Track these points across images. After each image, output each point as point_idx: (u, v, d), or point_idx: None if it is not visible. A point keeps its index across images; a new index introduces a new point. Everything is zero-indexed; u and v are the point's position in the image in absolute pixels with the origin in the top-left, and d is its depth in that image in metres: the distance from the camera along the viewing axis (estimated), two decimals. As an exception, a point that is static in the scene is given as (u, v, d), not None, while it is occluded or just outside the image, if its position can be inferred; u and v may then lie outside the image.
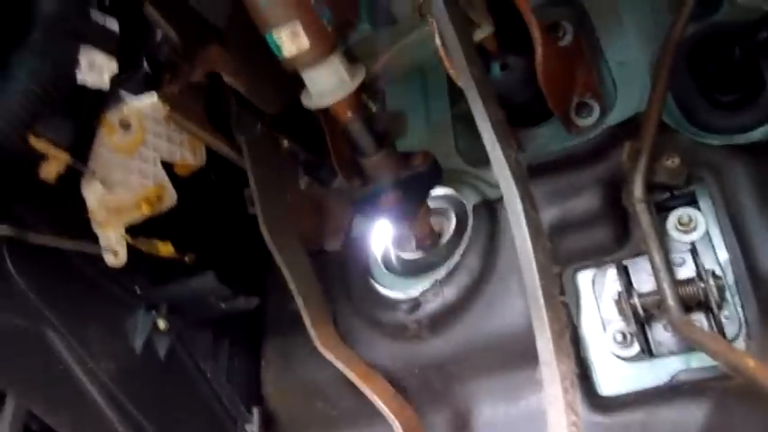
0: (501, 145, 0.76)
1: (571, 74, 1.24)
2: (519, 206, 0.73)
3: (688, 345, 1.00)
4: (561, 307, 0.71)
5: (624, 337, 1.05)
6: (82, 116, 1.07)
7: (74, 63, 0.86)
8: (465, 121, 1.35)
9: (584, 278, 1.10)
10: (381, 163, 1.14)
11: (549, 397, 0.62)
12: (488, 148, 0.78)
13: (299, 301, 1.19)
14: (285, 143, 1.32)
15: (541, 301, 0.68)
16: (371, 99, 1.40)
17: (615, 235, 1.08)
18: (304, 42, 0.94)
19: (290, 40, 0.95)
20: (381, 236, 1.33)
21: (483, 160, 1.27)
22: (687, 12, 1.02)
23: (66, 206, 1.08)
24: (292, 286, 1.19)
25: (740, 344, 0.98)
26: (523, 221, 0.72)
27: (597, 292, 1.09)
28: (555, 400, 0.61)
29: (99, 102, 1.13)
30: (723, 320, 0.99)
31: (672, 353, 1.03)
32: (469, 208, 1.23)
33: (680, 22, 1.01)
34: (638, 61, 1.16)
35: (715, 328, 1.00)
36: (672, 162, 0.98)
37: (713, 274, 0.98)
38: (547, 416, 0.61)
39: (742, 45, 1.02)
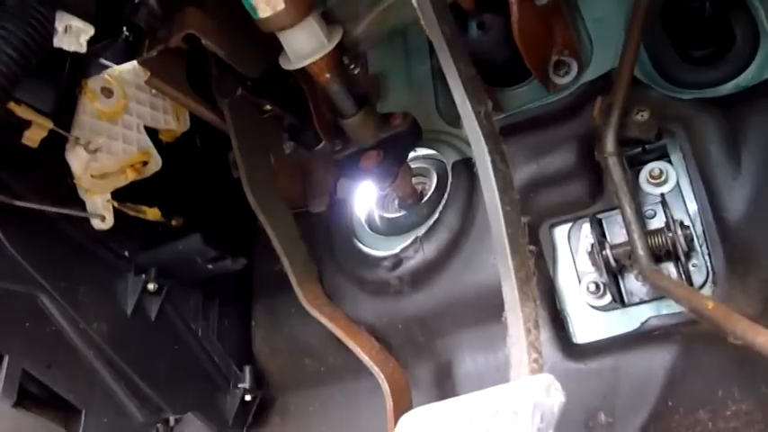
0: (471, 101, 0.78)
1: (549, 32, 1.25)
2: (488, 159, 0.76)
3: (658, 293, 1.04)
4: (528, 255, 0.74)
5: (597, 287, 1.09)
6: (63, 83, 1.08)
7: (50, 28, 0.87)
8: (446, 82, 1.37)
9: (561, 232, 1.14)
10: (361, 124, 1.16)
11: (512, 338, 0.66)
12: (458, 103, 0.80)
13: (285, 262, 1.22)
14: (267, 107, 1.34)
15: (507, 249, 0.71)
16: (353, 62, 1.41)
17: (590, 189, 1.11)
18: (279, 4, 0.95)
19: (266, 2, 0.95)
20: (365, 196, 1.36)
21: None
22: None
23: (51, 172, 1.11)
24: (278, 247, 1.22)
25: (707, 291, 1.02)
26: (491, 174, 0.74)
27: (573, 245, 1.13)
28: (518, 340, 0.64)
29: (80, 68, 1.14)
30: (691, 269, 1.03)
31: (643, 301, 1.08)
32: (449, 166, 1.25)
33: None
34: (613, 17, 1.17)
35: (683, 277, 1.03)
36: (642, 116, 1.01)
37: (681, 224, 1.01)
38: (509, 356, 0.65)
39: (712, 0, 1.03)
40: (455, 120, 1.30)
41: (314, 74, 1.09)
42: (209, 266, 1.25)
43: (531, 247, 0.76)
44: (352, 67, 1.40)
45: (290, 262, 1.22)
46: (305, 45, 1.04)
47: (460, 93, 0.80)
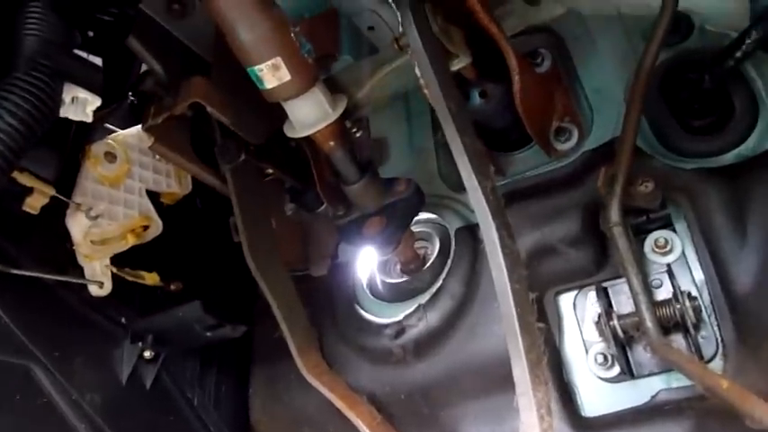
0: (477, 176, 0.78)
1: (549, 100, 1.27)
2: (495, 236, 0.75)
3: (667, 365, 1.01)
4: (538, 335, 0.72)
5: (605, 358, 1.07)
6: (66, 149, 1.08)
7: (57, 99, 0.87)
8: (448, 147, 1.38)
9: (566, 301, 1.12)
10: (364, 190, 1.15)
11: (525, 425, 0.63)
12: (465, 178, 0.80)
13: (285, 329, 1.20)
14: (270, 171, 1.34)
15: (518, 330, 0.70)
16: (355, 126, 1.43)
17: (595, 258, 1.10)
18: (285, 75, 0.96)
19: (272, 74, 0.96)
20: (367, 261, 1.34)
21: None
22: (658, 39, 1.04)
23: (49, 238, 1.09)
24: (278, 314, 1.20)
25: (717, 363, 1.00)
26: (500, 252, 0.73)
27: (579, 314, 1.11)
28: (530, 428, 0.62)
29: (84, 134, 1.14)
30: (700, 341, 1.01)
31: (652, 373, 1.05)
32: (452, 232, 1.25)
33: (651, 50, 1.04)
34: (613, 87, 1.20)
35: (693, 349, 1.01)
36: (646, 187, 1.01)
37: (689, 295, 1.00)
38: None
39: (711, 72, 1.05)
40: (457, 185, 1.31)
41: (318, 141, 1.10)
42: (208, 334, 1.22)
43: (541, 325, 0.75)
44: (355, 130, 1.41)
45: (290, 329, 1.19)
46: (310, 114, 1.05)
47: (466, 167, 0.80)
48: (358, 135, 1.41)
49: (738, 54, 1.00)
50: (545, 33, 1.31)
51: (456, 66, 1.07)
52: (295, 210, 1.43)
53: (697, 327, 1.01)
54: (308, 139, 1.11)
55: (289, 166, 1.35)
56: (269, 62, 0.95)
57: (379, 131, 1.45)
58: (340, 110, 1.06)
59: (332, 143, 1.09)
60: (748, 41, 0.99)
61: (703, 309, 1.02)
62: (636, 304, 1.00)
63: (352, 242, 1.22)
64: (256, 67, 0.95)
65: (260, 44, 0.93)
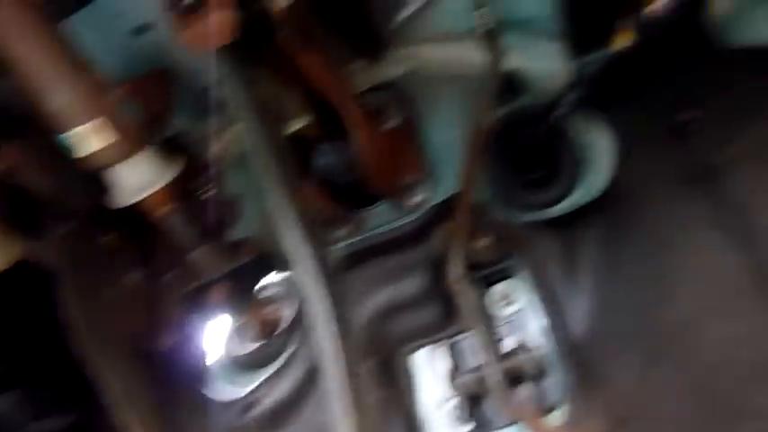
0: (304, 245, 0.75)
1: (398, 154, 1.28)
2: (320, 310, 0.72)
3: (517, 417, 1.03)
4: (370, 410, 0.69)
5: (459, 414, 1.06)
6: None
7: None
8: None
9: (418, 358, 1.11)
10: (207, 256, 1.09)
11: None
12: (288, 248, 0.76)
13: (124, 414, 1.08)
14: (107, 236, 1.23)
15: (348, 407, 0.66)
16: (202, 185, 1.36)
17: (444, 313, 1.11)
18: (103, 140, 0.89)
19: (88, 139, 0.89)
20: (215, 331, 1.26)
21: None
22: (491, 97, 1.09)
23: None
24: (115, 398, 1.08)
25: (563, 410, 1.02)
26: (324, 326, 0.70)
27: (431, 371, 1.10)
28: None
29: None
30: (546, 390, 1.04)
31: (506, 425, 1.06)
32: (305, 294, 1.20)
33: (483, 107, 1.08)
34: (456, 142, 1.23)
35: (540, 399, 1.03)
36: (485, 241, 1.03)
37: (531, 345, 1.03)
38: None
39: (538, 128, 1.11)
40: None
41: (149, 208, 1.02)
42: (32, 426, 1.08)
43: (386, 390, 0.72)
44: (202, 191, 1.35)
45: (129, 413, 1.08)
46: (138, 179, 0.98)
47: (292, 237, 0.76)
48: (206, 195, 1.36)
49: (560, 112, 1.07)
50: (392, 90, 1.34)
51: (294, 127, 1.05)
52: (138, 277, 1.32)
53: (541, 376, 1.03)
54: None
55: (128, 229, 1.25)
56: (83, 127, 0.88)
57: (230, 190, 1.39)
58: (173, 173, 1.00)
59: (165, 209, 1.02)
60: (567, 100, 1.06)
61: (547, 358, 1.05)
62: (482, 358, 1.00)
63: (197, 311, 1.15)
64: (70, 133, 0.88)
65: (73, 109, 0.86)
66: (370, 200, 1.27)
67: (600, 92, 1.06)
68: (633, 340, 0.94)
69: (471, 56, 1.19)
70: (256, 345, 1.21)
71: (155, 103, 1.06)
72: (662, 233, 0.94)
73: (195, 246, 1.08)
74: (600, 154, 1.13)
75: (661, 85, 1.10)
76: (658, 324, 0.90)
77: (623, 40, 0.92)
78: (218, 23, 0.84)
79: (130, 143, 0.93)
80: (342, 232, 1.26)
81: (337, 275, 0.78)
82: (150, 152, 0.98)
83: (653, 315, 0.91)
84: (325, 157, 1.20)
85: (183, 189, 1.06)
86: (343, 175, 1.24)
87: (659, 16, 0.85)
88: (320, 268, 0.73)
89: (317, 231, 0.80)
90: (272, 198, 0.79)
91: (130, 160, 0.95)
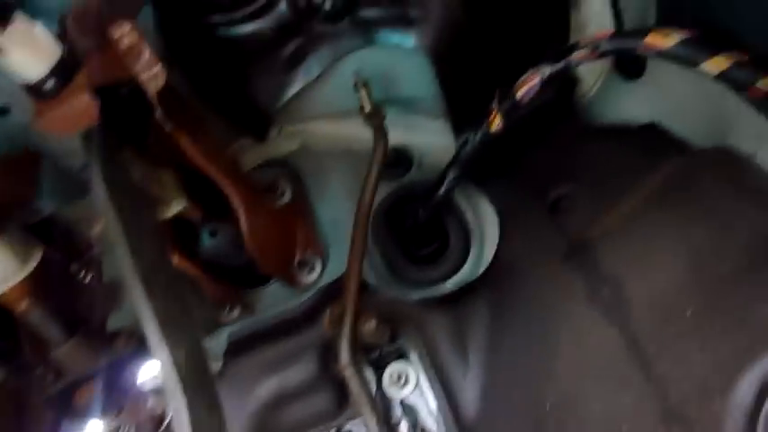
0: (162, 346, 0.69)
1: (290, 231, 1.25)
2: (185, 416, 0.66)
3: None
4: None
5: (353, 507, 1.00)
6: None
7: None
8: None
9: (310, 449, 1.05)
10: (73, 352, 1.00)
11: None
12: (153, 348, 0.70)
13: None
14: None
15: None
16: (82, 268, 1.27)
17: (336, 399, 1.06)
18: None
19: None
20: (91, 433, 1.15)
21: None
22: (374, 174, 1.09)
23: None
24: None
25: (459, 494, 0.99)
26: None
27: (324, 461, 1.04)
28: None
29: None
30: (442, 474, 1.00)
31: None
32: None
33: (369, 185, 1.08)
34: (347, 220, 1.21)
35: (435, 485, 1.00)
36: (370, 324, 1.00)
37: (423, 429, 0.99)
38: None
39: (424, 204, 1.12)
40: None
41: (7, 302, 0.93)
42: None
43: None
44: (82, 275, 1.26)
45: None
46: (-9, 274, 0.89)
47: (155, 337, 0.71)
48: (87, 279, 1.27)
49: (443, 189, 1.09)
50: (282, 166, 1.32)
51: (168, 212, 1.00)
52: (5, 375, 1.20)
53: (436, 460, 1.00)
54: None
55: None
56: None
57: (112, 273, 1.30)
58: (29, 267, 0.92)
59: (25, 303, 0.94)
60: (450, 178, 1.08)
61: (440, 441, 1.02)
62: (375, 446, 0.96)
63: (66, 414, 1.04)
64: None
65: None
66: (263, 279, 1.22)
67: (479, 169, 1.09)
68: (522, 418, 0.93)
69: (359, 132, 1.20)
70: (134, 446, 1.11)
71: (18, 186, 0.98)
72: (543, 308, 0.96)
73: (61, 341, 0.99)
74: (486, 227, 1.15)
75: (535, 162, 1.15)
76: (544, 400, 0.90)
77: (495, 122, 0.95)
78: (77, 108, 0.79)
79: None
80: (232, 314, 1.21)
81: (205, 377, 0.73)
82: (5, 243, 0.90)
83: (538, 391, 0.91)
84: (212, 239, 1.16)
85: (43, 281, 0.97)
86: (231, 256, 1.19)
87: (525, 102, 0.88)
88: (180, 372, 0.67)
89: (184, 326, 0.75)
90: (131, 291, 0.73)
91: (-18, 253, 0.87)
